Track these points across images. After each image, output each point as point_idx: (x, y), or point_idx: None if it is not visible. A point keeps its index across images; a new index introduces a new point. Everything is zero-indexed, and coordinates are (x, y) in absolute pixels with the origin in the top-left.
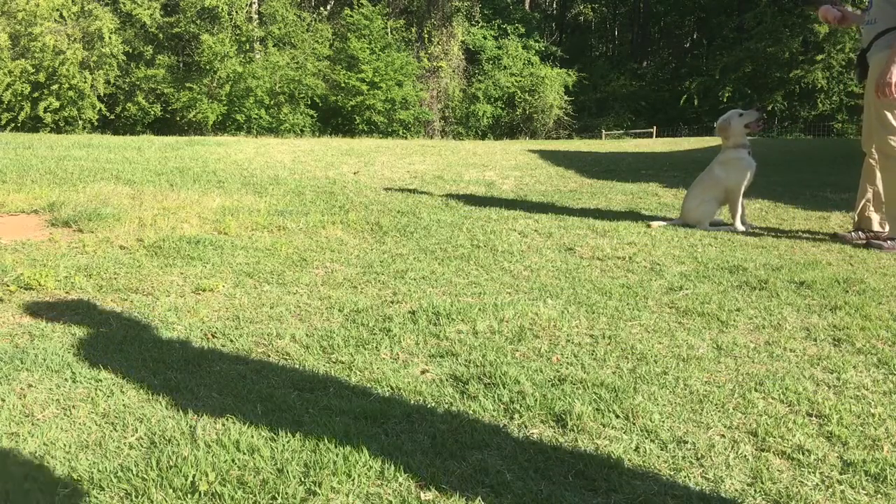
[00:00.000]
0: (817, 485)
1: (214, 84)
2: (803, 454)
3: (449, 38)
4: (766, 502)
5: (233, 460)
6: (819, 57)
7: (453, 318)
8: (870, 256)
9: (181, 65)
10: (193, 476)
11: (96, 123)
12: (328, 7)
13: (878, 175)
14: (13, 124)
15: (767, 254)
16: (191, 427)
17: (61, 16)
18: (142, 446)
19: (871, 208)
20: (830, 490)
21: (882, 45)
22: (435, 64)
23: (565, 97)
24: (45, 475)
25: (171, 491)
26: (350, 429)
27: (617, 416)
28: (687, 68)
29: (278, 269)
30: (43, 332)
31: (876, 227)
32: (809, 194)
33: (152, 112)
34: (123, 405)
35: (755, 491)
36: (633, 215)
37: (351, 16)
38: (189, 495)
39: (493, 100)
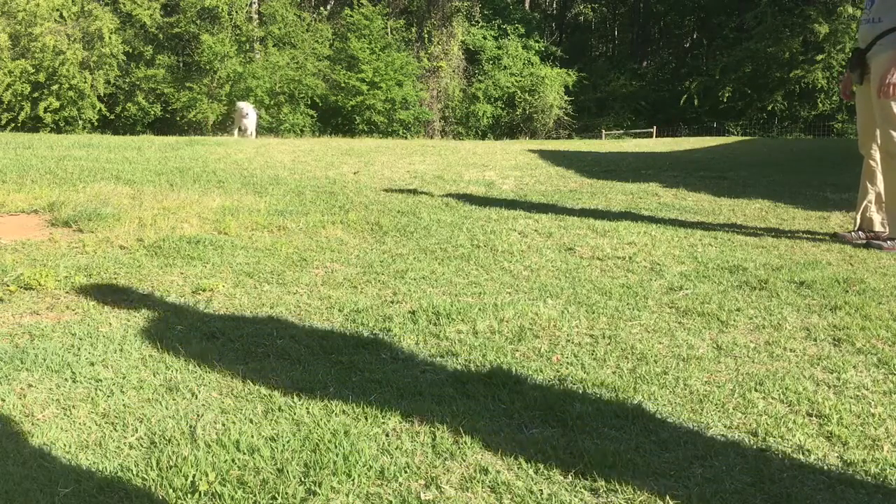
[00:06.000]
0: (817, 485)
1: (214, 84)
2: (803, 454)
3: (449, 38)
4: (766, 502)
5: (233, 460)
6: (819, 57)
7: (453, 318)
8: (870, 256)
9: (181, 65)
10: (193, 476)
11: (96, 123)
12: (328, 7)
13: (879, 175)
14: (13, 124)
15: (767, 254)
16: (191, 427)
17: (61, 16)
18: (142, 446)
19: (874, 209)
20: (830, 490)
21: (887, 44)
22: (435, 64)
23: (565, 97)
24: (45, 475)
25: (171, 491)
26: (350, 429)
27: (617, 416)
28: (687, 68)
29: (278, 269)
30: (43, 332)
31: (878, 227)
32: (809, 194)
33: (152, 112)
34: (123, 405)
35: (755, 491)
36: (633, 215)
37: (351, 16)
38: (189, 495)
39: (493, 100)
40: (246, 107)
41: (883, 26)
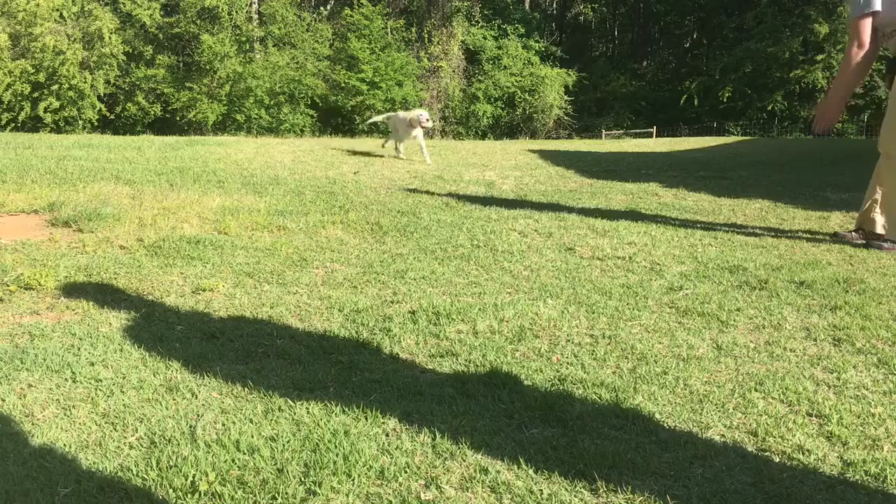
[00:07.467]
0: (817, 485)
1: (214, 84)
2: (803, 454)
3: (449, 38)
4: (766, 502)
5: (233, 460)
6: (819, 57)
7: (453, 318)
8: (870, 256)
9: (181, 65)
10: (193, 476)
11: (96, 123)
12: (328, 7)
13: None
14: (13, 124)
15: (767, 254)
16: (191, 427)
17: (61, 16)
18: (142, 446)
19: (878, 209)
20: (830, 490)
21: None
22: (435, 64)
23: (565, 97)
24: (45, 475)
25: (171, 491)
26: (350, 429)
27: (617, 416)
28: (687, 68)
29: (278, 269)
30: (43, 332)
31: (879, 229)
32: (809, 194)
33: (152, 112)
34: (123, 405)
35: (755, 491)
36: (633, 215)
37: (351, 16)
38: (189, 495)
39: (493, 100)
40: (424, 113)
41: None
